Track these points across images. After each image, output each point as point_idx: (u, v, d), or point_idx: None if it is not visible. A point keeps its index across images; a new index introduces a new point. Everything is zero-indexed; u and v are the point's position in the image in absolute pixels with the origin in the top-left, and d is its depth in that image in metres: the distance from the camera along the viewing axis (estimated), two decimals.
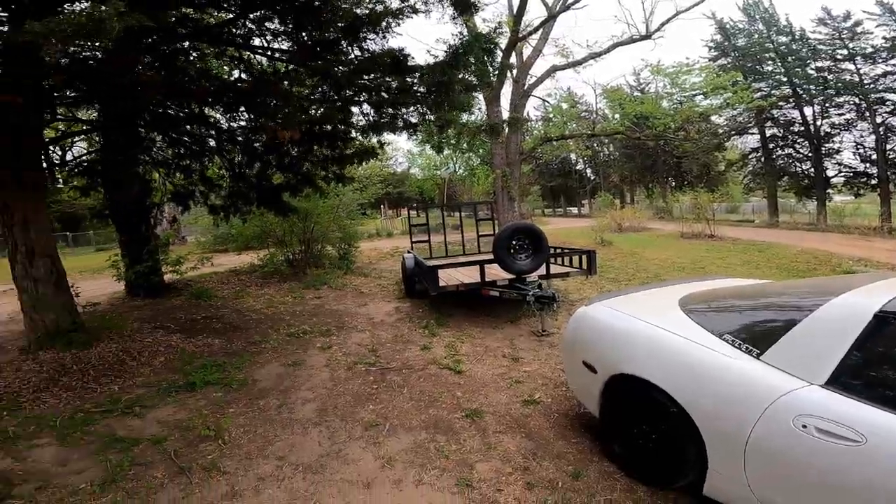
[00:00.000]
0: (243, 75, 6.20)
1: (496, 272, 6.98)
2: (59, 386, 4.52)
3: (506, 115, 16.48)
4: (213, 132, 6.71)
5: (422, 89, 5.26)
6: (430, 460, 3.37)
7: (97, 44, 3.68)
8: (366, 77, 5.09)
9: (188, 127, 6.83)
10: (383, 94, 5.30)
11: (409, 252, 9.25)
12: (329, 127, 5.82)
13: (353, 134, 6.28)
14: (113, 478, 3.17)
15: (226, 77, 6.50)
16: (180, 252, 10.46)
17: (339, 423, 3.95)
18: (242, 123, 6.47)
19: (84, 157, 8.19)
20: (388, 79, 5.19)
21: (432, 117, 5.78)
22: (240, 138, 6.54)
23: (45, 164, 5.76)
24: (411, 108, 5.60)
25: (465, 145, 19.90)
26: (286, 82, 5.20)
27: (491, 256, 6.71)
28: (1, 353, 5.52)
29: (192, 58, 5.66)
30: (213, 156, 7.26)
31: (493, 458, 3.38)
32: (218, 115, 6.58)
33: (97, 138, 8.64)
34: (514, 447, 3.52)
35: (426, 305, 8.09)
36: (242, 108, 5.37)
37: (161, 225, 8.49)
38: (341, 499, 2.96)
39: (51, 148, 8.16)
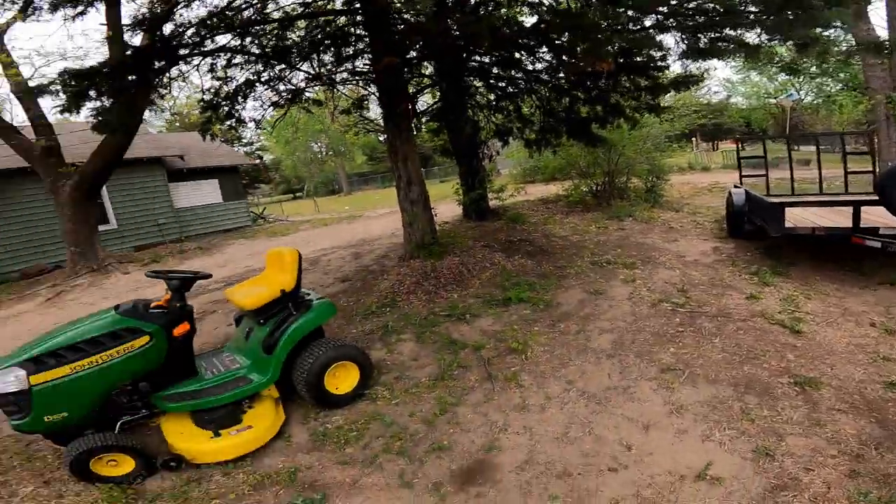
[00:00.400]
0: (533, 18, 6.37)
1: (878, 217, 5.29)
2: (421, 290, 6.15)
3: (881, 32, 11.23)
4: (521, 75, 7.23)
5: (752, 8, 4.20)
6: (728, 419, 3.07)
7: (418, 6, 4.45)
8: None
9: (501, 72, 7.60)
10: (698, 18, 4.48)
11: (737, 186, 7.89)
12: (640, 58, 5.39)
13: (668, 61, 5.63)
14: (442, 375, 3.99)
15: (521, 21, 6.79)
16: (498, 183, 12.06)
17: (633, 360, 3.99)
18: (545, 64, 6.72)
19: (432, 107, 10.26)
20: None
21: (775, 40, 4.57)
22: (544, 77, 6.82)
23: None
24: (738, 31, 4.57)
25: (828, 68, 15.05)
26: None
27: (868, 197, 5.11)
28: (388, 260, 7.91)
29: (490, 9, 6.17)
30: (523, 96, 7.86)
31: (814, 436, 2.83)
32: (523, 58, 7.00)
33: (437, 92, 10.59)
34: (853, 431, 2.84)
35: (757, 249, 6.87)
36: (544, 49, 5.55)
37: (486, 159, 9.89)
38: (616, 433, 3.04)
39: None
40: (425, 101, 15.39)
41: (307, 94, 9.11)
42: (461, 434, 3.26)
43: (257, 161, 25.66)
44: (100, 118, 5.23)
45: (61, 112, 4.95)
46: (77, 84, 4.65)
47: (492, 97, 8.82)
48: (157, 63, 5.32)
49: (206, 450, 2.78)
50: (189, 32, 5.67)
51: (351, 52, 7.70)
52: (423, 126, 10.28)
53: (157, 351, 2.63)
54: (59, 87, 4.87)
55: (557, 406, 3.45)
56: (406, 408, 3.61)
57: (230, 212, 17.23)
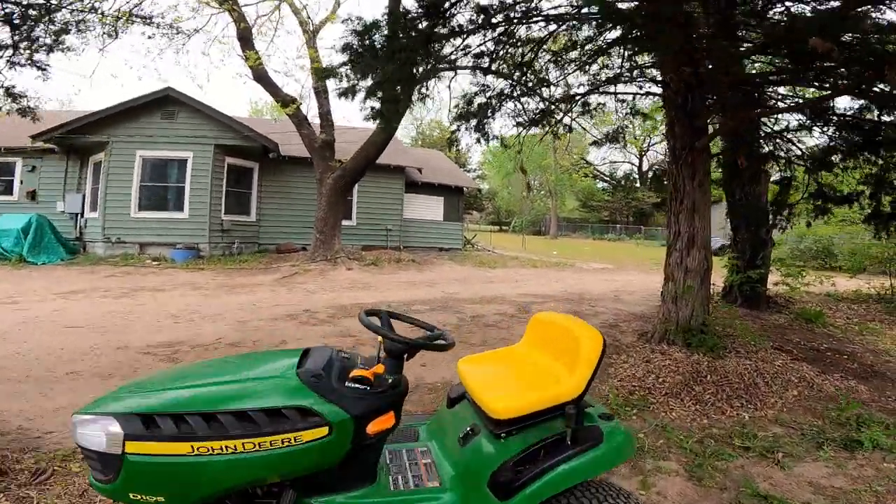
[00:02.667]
0: None
1: None
2: (688, 394, 4.20)
3: None
4: None
5: None
6: None
7: None
8: None
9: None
10: None
11: None
12: None
13: None
14: None
15: None
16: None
17: None
18: None
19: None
20: None
21: None
22: None
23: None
24: None
25: None
26: None
27: None
28: (622, 333, 6.05)
29: None
30: None
31: None
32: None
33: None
34: None
35: None
36: None
37: (777, 228, 7.22)
38: None
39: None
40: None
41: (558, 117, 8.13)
42: None
43: (480, 187, 26.37)
44: (372, 108, 4.98)
45: (339, 95, 4.83)
46: (359, 56, 4.34)
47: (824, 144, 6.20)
48: (431, 44, 4.77)
49: None
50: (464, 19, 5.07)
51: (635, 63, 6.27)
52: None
53: (334, 450, 1.50)
54: (343, 70, 4.65)
55: None
56: None
57: (447, 232, 17.56)
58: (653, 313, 7.50)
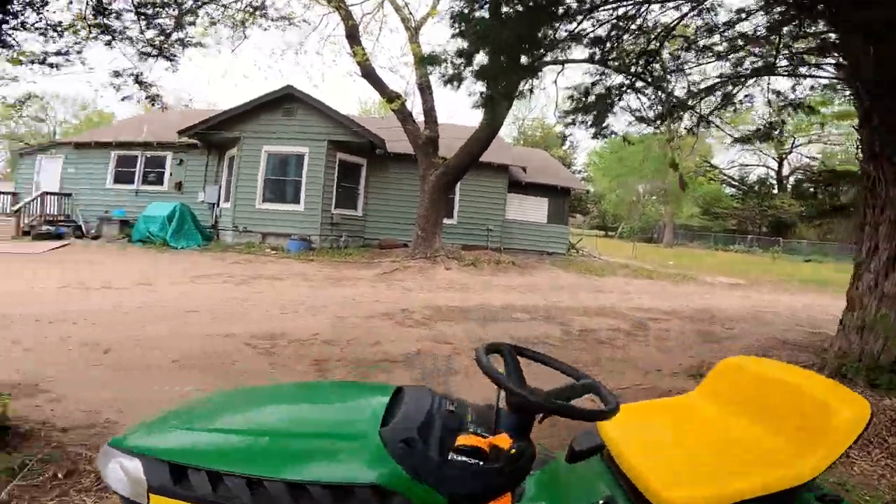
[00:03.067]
0: None
1: None
2: (880, 446, 3.14)
3: None
4: None
5: None
6: None
7: None
8: None
9: None
10: None
11: None
12: None
13: None
14: None
15: None
16: None
17: None
18: None
19: None
20: None
21: None
22: None
23: None
24: None
25: None
26: None
27: None
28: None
29: None
30: None
31: None
32: None
33: None
34: None
35: None
36: None
37: None
38: None
39: None
40: None
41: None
42: None
43: (588, 189, 24.73)
44: (481, 94, 4.54)
45: (445, 83, 4.45)
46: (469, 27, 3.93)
47: None
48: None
49: None
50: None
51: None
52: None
53: None
54: (447, 56, 4.27)
55: None
56: None
57: (550, 235, 16.66)
58: (810, 342, 6.13)
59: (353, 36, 11.74)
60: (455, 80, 4.43)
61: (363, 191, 14.43)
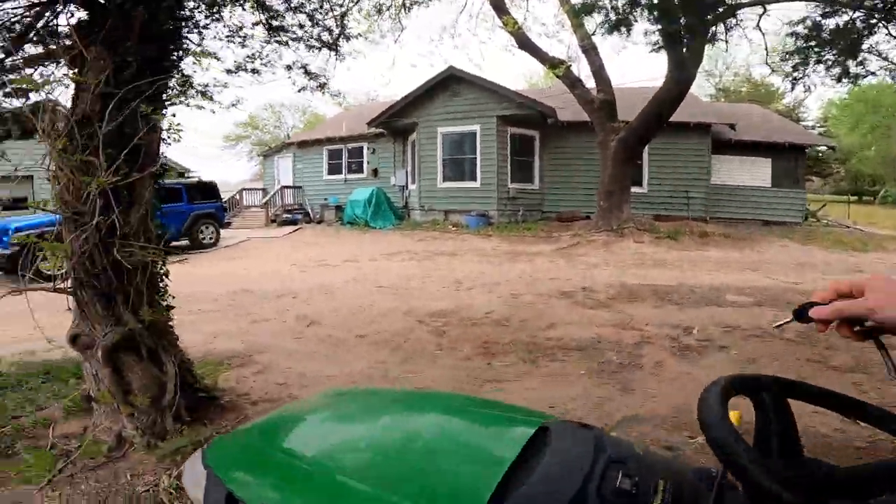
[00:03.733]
0: None
1: None
2: None
3: None
4: None
5: None
6: None
7: None
8: None
9: None
10: None
11: None
12: None
13: None
14: None
15: None
16: None
17: None
18: None
19: None
20: None
21: None
22: None
23: None
24: None
25: None
26: None
27: None
28: None
29: None
30: None
31: None
32: None
33: None
34: None
35: None
36: None
37: None
38: None
39: None
40: None
41: None
42: None
43: (831, 146, 19.05)
44: (659, 30, 3.61)
45: (610, 30, 3.64)
46: None
47: None
48: None
49: None
50: None
51: None
52: None
53: None
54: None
55: None
56: None
57: (779, 201, 13.47)
58: None
59: (499, 7, 11.12)
60: (622, 25, 3.59)
61: (538, 163, 13.85)
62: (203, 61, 3.46)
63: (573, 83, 11.27)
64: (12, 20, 2.86)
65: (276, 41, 3.16)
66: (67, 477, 2.09)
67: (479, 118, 12.86)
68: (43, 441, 2.36)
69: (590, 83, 11.51)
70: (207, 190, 12.24)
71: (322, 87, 3.52)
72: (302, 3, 3.21)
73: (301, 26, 3.27)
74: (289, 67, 3.32)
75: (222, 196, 13.48)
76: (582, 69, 11.69)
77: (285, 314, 5.04)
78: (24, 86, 2.23)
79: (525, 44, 11.54)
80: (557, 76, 11.29)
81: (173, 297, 2.89)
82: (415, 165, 14.27)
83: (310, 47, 3.29)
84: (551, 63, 11.14)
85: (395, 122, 14.14)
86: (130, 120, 2.62)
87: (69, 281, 2.66)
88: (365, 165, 16.24)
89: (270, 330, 4.44)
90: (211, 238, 11.93)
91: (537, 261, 8.47)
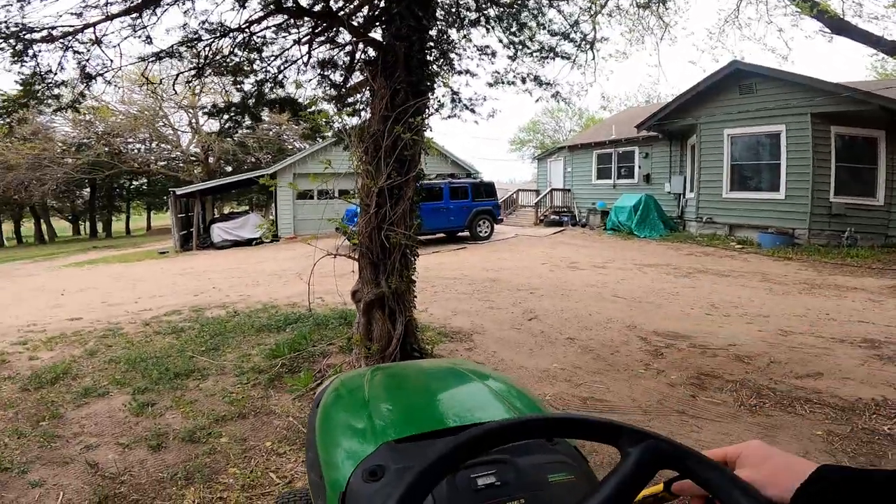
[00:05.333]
0: None
1: None
2: None
3: None
4: None
5: None
6: None
7: None
8: None
9: None
10: None
11: None
12: None
13: None
14: None
15: None
16: None
17: None
18: None
19: None
20: None
21: None
22: None
23: None
24: None
25: None
26: None
27: None
28: None
29: None
30: None
31: None
32: None
33: None
34: None
35: None
36: None
37: None
38: None
39: None
40: None
41: None
42: None
43: None
44: None
45: None
46: None
47: None
48: None
49: None
50: None
51: None
52: None
53: None
54: None
55: None
56: None
57: None
58: None
59: None
60: None
61: (884, 171, 10.12)
62: (462, 77, 4.19)
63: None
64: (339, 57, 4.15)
65: (515, 54, 3.53)
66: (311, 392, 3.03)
67: (785, 117, 10.35)
68: (317, 366, 3.44)
69: None
70: (486, 189, 13.99)
71: (556, 95, 3.71)
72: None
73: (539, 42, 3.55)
74: (523, 80, 3.65)
75: (501, 196, 15.14)
76: None
77: (516, 306, 5.50)
78: (322, 120, 3.25)
79: (842, 28, 8.63)
80: None
81: (417, 273, 3.64)
82: (693, 172, 12.66)
83: (542, 58, 3.54)
84: (891, 47, 8.00)
85: (670, 124, 12.83)
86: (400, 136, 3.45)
87: (356, 252, 3.72)
88: (636, 171, 15.33)
89: (497, 317, 4.95)
90: (486, 232, 13.63)
91: (849, 298, 6.39)
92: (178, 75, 3.90)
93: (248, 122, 4.42)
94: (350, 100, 4.66)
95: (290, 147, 24.12)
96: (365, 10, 4.02)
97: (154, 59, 3.76)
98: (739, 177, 11.44)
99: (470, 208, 13.33)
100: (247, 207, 29.24)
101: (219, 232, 16.31)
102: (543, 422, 0.51)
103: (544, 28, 4.25)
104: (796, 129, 10.28)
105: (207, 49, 3.94)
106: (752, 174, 11.28)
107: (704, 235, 11.90)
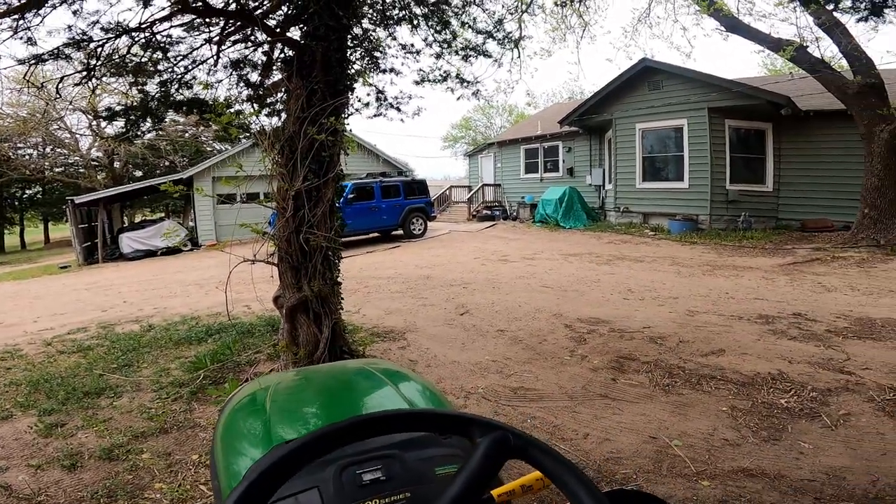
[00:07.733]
0: None
1: None
2: None
3: None
4: None
5: None
6: None
7: None
8: None
9: None
10: None
11: None
12: None
13: None
14: None
15: None
16: None
17: None
18: None
19: None
20: None
21: None
22: None
23: None
24: None
25: None
26: None
27: None
28: None
29: None
30: None
31: None
32: None
33: None
34: None
35: None
36: None
37: None
38: None
39: None
40: None
41: None
42: None
43: None
44: None
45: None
46: None
47: None
48: None
49: None
50: None
51: None
52: None
53: None
54: None
55: None
56: None
57: None
58: None
59: None
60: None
61: (772, 160, 11.39)
62: (386, 76, 4.15)
63: (812, 65, 8.98)
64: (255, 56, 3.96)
65: (442, 53, 3.56)
66: None
67: (687, 112, 11.33)
68: (244, 375, 3.28)
69: (839, 62, 8.99)
70: (419, 187, 14.01)
71: (476, 93, 3.79)
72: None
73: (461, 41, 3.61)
74: (447, 78, 3.69)
75: (435, 193, 15.20)
76: (825, 51, 9.15)
77: (449, 301, 5.56)
78: (228, 122, 3.10)
79: (735, 26, 9.65)
80: (787, 59, 9.16)
81: (342, 275, 3.56)
82: (611, 164, 13.48)
83: (465, 57, 3.60)
84: (775, 44, 9.07)
85: (589, 120, 13.59)
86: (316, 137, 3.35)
87: (276, 257, 3.57)
88: (561, 164, 16.06)
89: (430, 314, 4.98)
90: (420, 229, 13.64)
91: (745, 277, 7.11)
92: (62, 78, 3.54)
93: (148, 125, 4.10)
94: (270, 100, 4.46)
95: (208, 149, 22.67)
96: (284, 8, 3.86)
97: (35, 62, 3.39)
98: (651, 168, 12.33)
99: (403, 206, 13.28)
100: (162, 214, 27.16)
101: (128, 242, 15.01)
102: (394, 418, 0.53)
103: (469, 27, 4.33)
104: (696, 122, 11.25)
105: (100, 49, 3.61)
106: (661, 165, 12.20)
107: (622, 224, 12.71)
